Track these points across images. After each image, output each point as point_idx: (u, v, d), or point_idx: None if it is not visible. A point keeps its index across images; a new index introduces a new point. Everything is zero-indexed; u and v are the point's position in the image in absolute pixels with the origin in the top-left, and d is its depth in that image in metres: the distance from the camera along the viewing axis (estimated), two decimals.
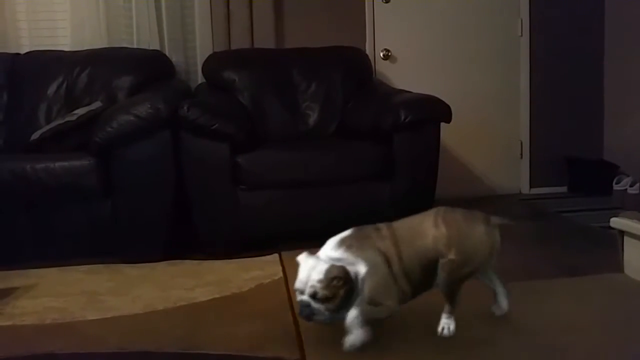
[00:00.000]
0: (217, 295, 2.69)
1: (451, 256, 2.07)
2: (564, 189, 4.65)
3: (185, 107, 3.15)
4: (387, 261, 2.02)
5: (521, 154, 4.68)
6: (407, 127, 3.30)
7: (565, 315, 2.36)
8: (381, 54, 4.43)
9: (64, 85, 3.81)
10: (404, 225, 2.14)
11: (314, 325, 2.08)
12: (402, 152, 3.34)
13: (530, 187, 4.68)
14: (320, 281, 1.92)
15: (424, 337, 2.16)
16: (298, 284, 1.98)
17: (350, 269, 1.95)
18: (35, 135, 3.44)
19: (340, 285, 1.93)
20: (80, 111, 3.49)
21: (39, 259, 3.14)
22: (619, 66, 4.52)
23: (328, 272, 1.93)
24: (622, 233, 2.77)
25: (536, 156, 4.67)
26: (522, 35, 4.59)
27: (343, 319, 2.00)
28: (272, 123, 3.86)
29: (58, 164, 3.10)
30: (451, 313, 2.17)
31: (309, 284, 1.94)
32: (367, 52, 4.35)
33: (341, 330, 2.10)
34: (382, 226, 2.11)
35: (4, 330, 2.41)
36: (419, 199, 3.38)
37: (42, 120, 3.71)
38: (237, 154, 3.24)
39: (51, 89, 3.79)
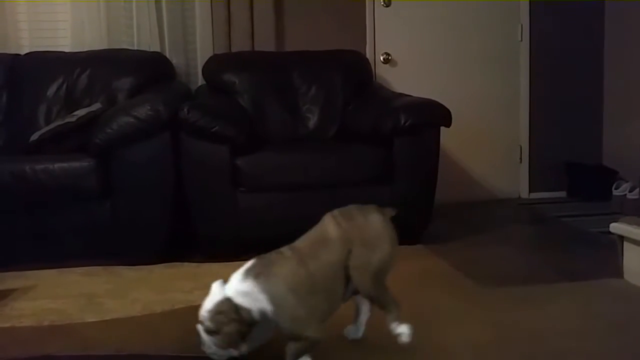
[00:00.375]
0: None
1: (356, 248, 1.99)
2: (563, 193, 4.65)
3: (185, 109, 3.15)
4: (296, 286, 1.90)
5: (520, 159, 4.67)
6: (407, 131, 3.29)
7: (565, 321, 2.36)
8: (381, 58, 4.43)
9: (64, 87, 3.80)
10: (305, 242, 2.04)
11: None
12: (402, 156, 3.34)
13: (530, 191, 4.67)
14: (208, 311, 1.88)
15: (423, 341, 2.15)
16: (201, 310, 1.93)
17: (253, 306, 1.86)
18: (34, 136, 3.43)
19: (224, 321, 1.85)
20: (80, 112, 3.49)
21: (38, 260, 3.13)
22: (618, 72, 4.52)
23: (218, 305, 1.87)
24: (621, 238, 2.77)
25: (535, 161, 4.67)
26: (522, 40, 4.59)
27: (236, 358, 1.91)
28: (272, 125, 3.85)
29: (57, 165, 3.09)
30: (396, 319, 2.03)
31: (201, 312, 1.90)
32: (368, 55, 4.35)
33: (340, 331, 2.10)
34: (285, 249, 2.01)
35: (1, 332, 2.40)
36: (419, 202, 3.39)
37: (42, 121, 3.70)
38: (237, 156, 3.23)
39: (51, 90, 3.78)
